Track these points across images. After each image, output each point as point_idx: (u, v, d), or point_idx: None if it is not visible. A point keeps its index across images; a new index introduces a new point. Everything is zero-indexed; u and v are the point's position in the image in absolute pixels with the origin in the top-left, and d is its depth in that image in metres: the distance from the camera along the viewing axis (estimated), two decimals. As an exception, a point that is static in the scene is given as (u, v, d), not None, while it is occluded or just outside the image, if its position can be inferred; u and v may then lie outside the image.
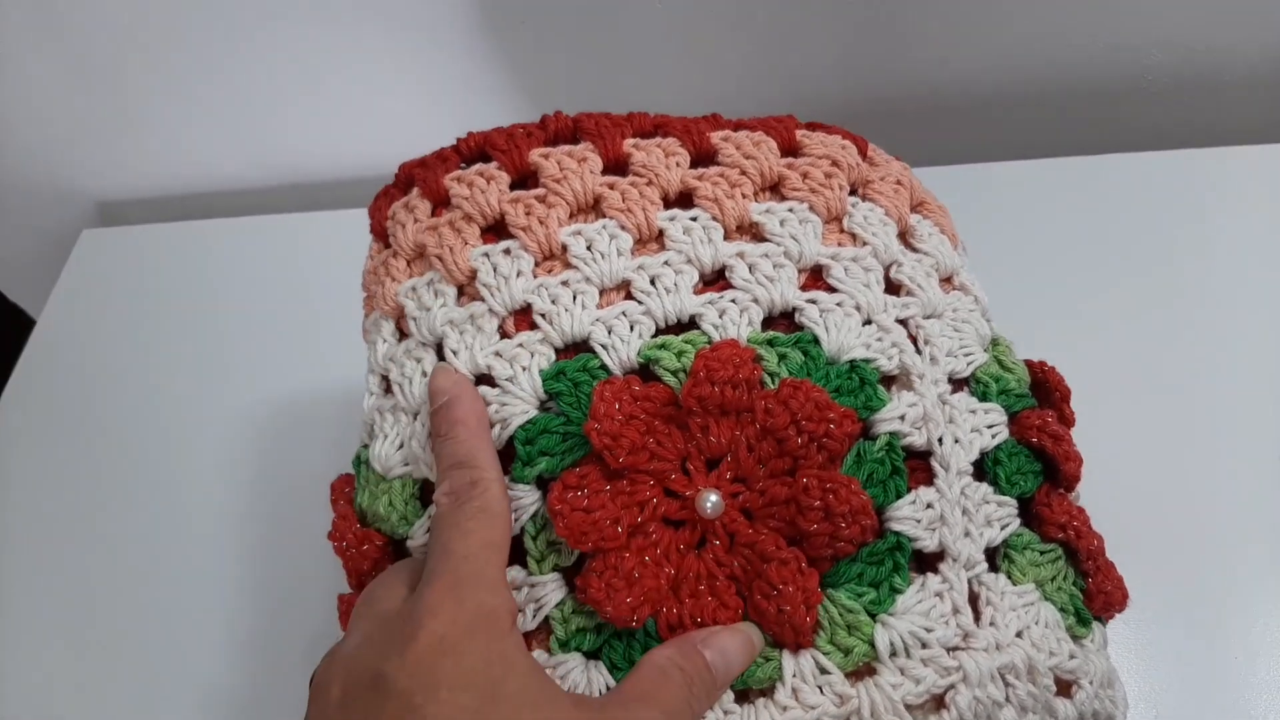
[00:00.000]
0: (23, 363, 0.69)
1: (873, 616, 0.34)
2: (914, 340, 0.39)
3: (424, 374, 0.39)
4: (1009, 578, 0.36)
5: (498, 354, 0.38)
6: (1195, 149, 0.67)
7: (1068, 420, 0.41)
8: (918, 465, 0.37)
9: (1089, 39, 0.68)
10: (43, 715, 0.53)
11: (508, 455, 0.37)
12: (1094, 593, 0.38)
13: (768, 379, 0.37)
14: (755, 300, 0.38)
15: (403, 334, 0.41)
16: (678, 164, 0.41)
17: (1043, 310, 0.60)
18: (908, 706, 0.33)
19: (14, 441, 0.65)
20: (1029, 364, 0.42)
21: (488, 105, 0.70)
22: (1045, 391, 0.42)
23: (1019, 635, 0.35)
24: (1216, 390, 0.56)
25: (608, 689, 0.34)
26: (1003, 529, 0.37)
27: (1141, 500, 0.52)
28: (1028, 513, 0.38)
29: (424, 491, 0.38)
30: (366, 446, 0.40)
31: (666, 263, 0.39)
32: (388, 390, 0.40)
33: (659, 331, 0.38)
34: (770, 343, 0.37)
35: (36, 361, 0.69)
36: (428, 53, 0.69)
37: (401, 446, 0.38)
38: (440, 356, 0.39)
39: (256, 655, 0.54)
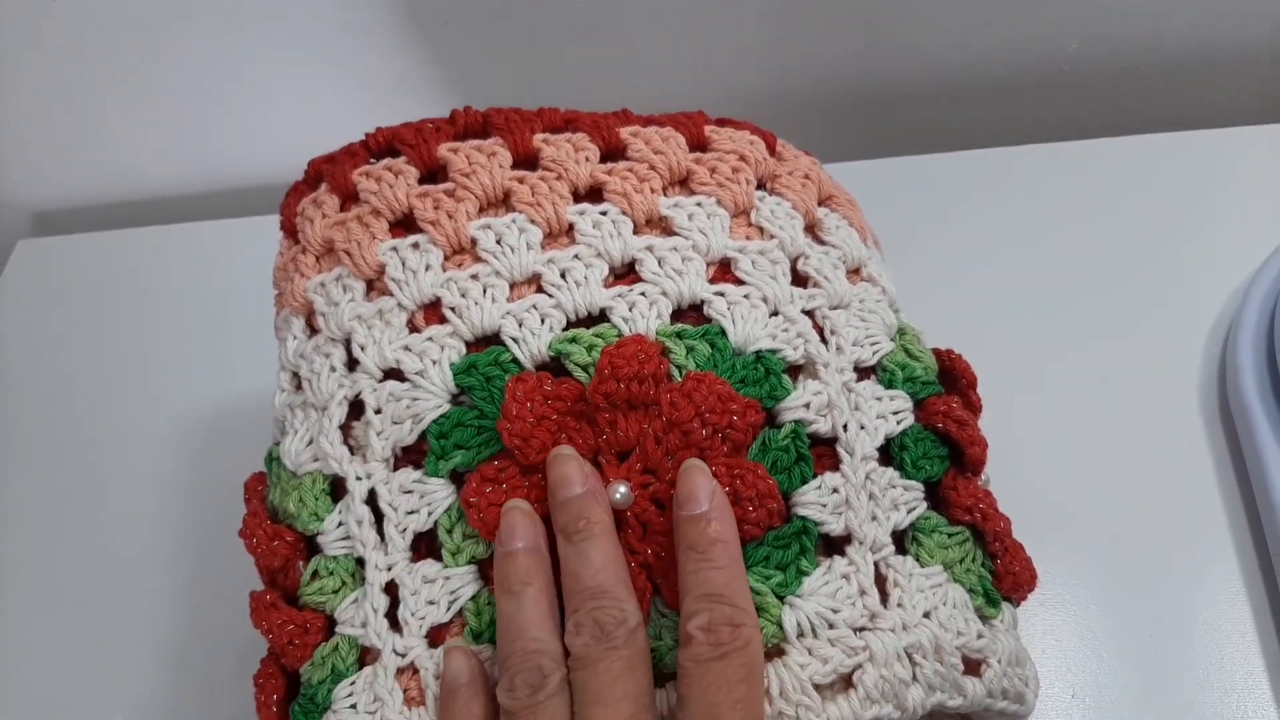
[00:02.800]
0: None
1: (780, 599, 0.35)
2: (820, 330, 0.40)
3: (332, 369, 0.39)
4: (917, 560, 0.37)
5: (406, 348, 0.37)
6: (1109, 138, 0.69)
7: (974, 406, 0.42)
8: (824, 452, 0.38)
9: (1009, 29, 0.69)
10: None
11: (420, 450, 0.37)
12: (1002, 573, 0.39)
13: (676, 371, 0.37)
14: (664, 293, 0.39)
15: (313, 330, 0.41)
16: (587, 159, 0.42)
17: (962, 300, 0.61)
18: (816, 686, 0.34)
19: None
20: (936, 352, 0.43)
21: (419, 108, 0.70)
22: (952, 379, 0.43)
23: (926, 615, 0.36)
24: (1127, 375, 0.58)
25: None
26: (909, 512, 0.38)
27: (1058, 484, 0.54)
28: (935, 496, 0.39)
29: (334, 488, 0.38)
30: (278, 444, 0.40)
31: (576, 256, 0.39)
32: (298, 387, 0.40)
33: (570, 324, 0.38)
34: (678, 335, 0.38)
35: None
36: (357, 56, 0.69)
37: (311, 443, 0.38)
38: (349, 352, 0.39)
39: (188, 660, 0.53)
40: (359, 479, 0.37)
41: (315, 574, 0.37)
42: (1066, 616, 0.50)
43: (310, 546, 0.38)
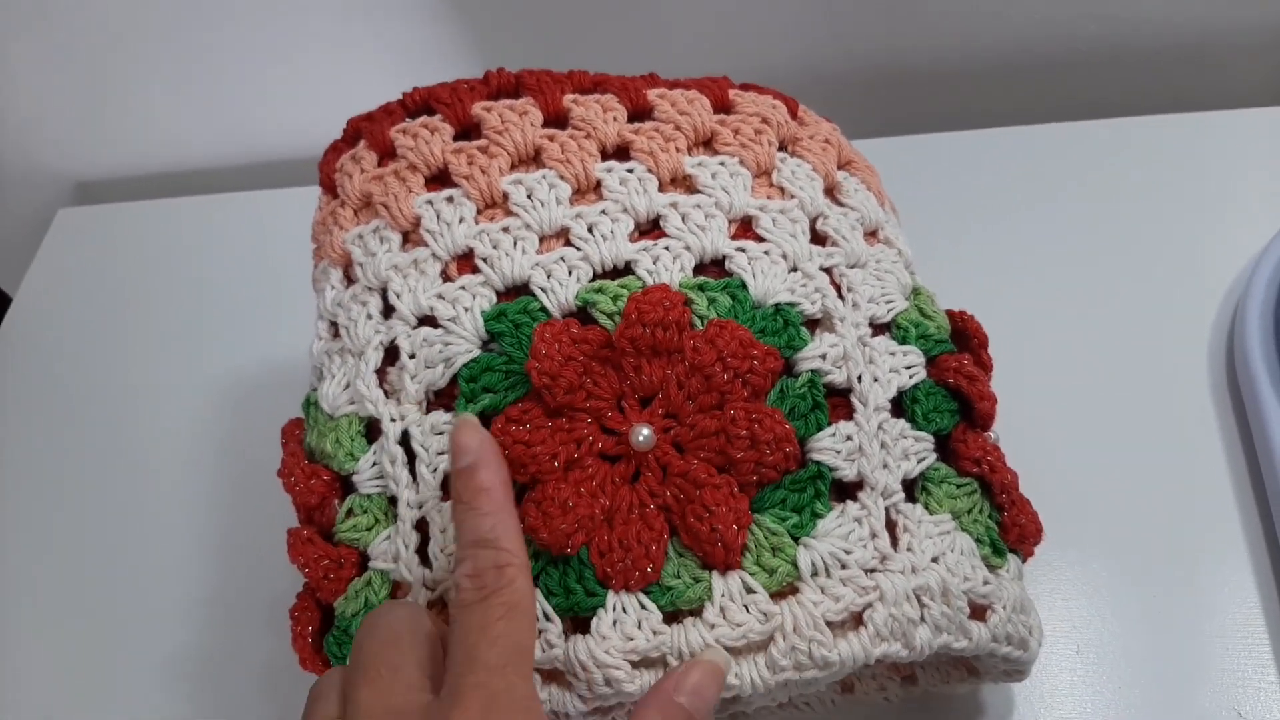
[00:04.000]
0: None
1: (795, 540, 0.36)
2: (837, 287, 0.41)
3: (369, 316, 0.40)
4: (926, 508, 0.39)
5: (440, 296, 0.39)
6: (1121, 118, 0.70)
7: (984, 364, 0.43)
8: (839, 402, 0.39)
9: (1028, 9, 0.70)
10: (12, 683, 0.54)
11: (451, 394, 0.38)
12: (1009, 525, 0.40)
13: (697, 321, 0.38)
14: (687, 248, 0.40)
15: (349, 280, 0.42)
16: (615, 119, 0.43)
17: (973, 274, 0.61)
18: (828, 623, 0.35)
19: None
20: (949, 313, 0.45)
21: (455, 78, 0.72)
22: (964, 338, 0.44)
23: (935, 560, 0.37)
24: (1136, 348, 0.59)
25: (544, 615, 0.35)
26: (919, 462, 0.39)
27: (1066, 450, 0.55)
28: (945, 449, 0.41)
29: (369, 429, 0.39)
30: (315, 389, 0.42)
31: (603, 211, 0.41)
32: (335, 334, 0.42)
33: (596, 276, 0.40)
34: (700, 287, 0.39)
35: (12, 340, 0.70)
36: (396, 29, 0.70)
37: (348, 386, 0.40)
38: (385, 300, 0.40)
39: (223, 607, 0.55)
40: (393, 420, 0.38)
41: (350, 512, 0.39)
42: (1072, 575, 0.51)
43: (345, 486, 0.40)
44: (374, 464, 0.39)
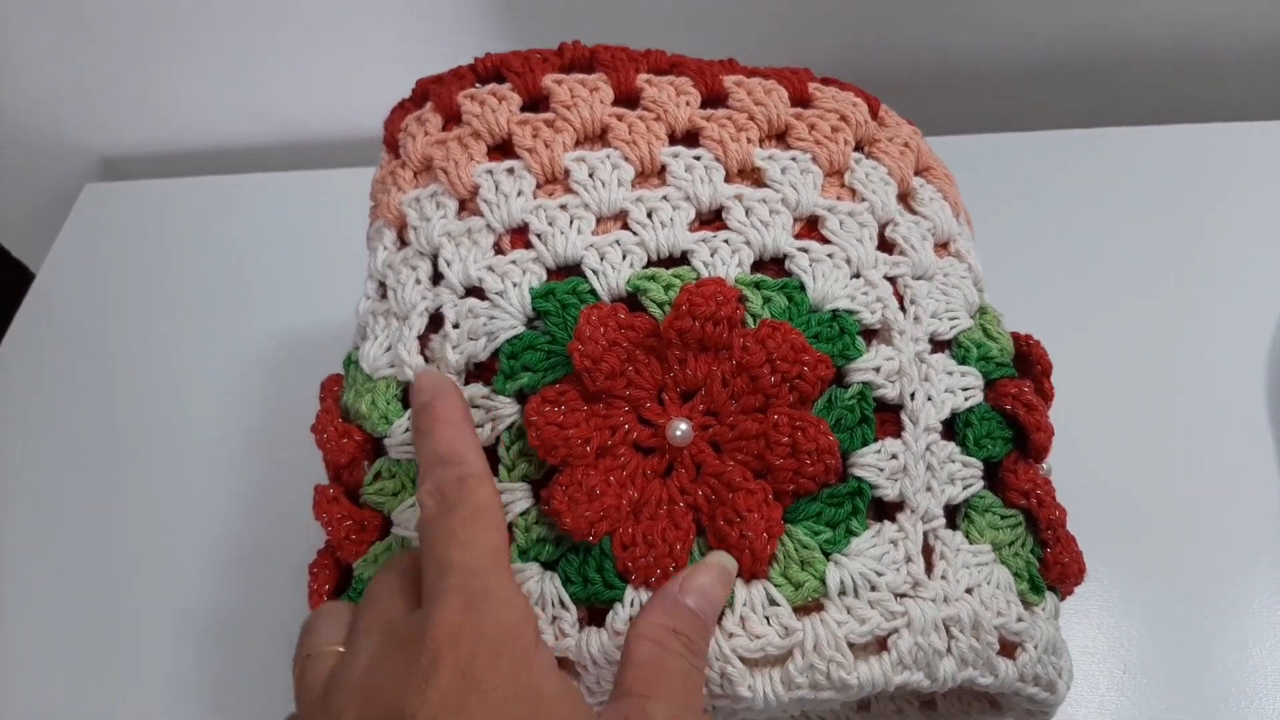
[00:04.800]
0: (21, 315, 0.70)
1: (826, 555, 0.35)
2: (900, 298, 0.40)
3: (417, 281, 0.40)
4: (966, 536, 0.37)
5: (490, 269, 0.38)
6: (1203, 124, 0.68)
7: (1046, 393, 0.42)
8: (888, 418, 0.38)
9: (1084, 11, 0.68)
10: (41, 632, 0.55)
11: (491, 368, 0.38)
12: (1051, 562, 0.39)
13: (750, 319, 0.37)
14: (748, 243, 0.39)
15: (403, 243, 0.42)
16: (688, 103, 0.42)
17: (1046, 286, 0.60)
18: (850, 645, 0.34)
19: (12, 394, 0.66)
20: (1015, 336, 0.43)
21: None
22: (1027, 364, 0.42)
23: (969, 591, 0.36)
24: (1190, 362, 0.58)
25: (560, 601, 0.35)
26: (965, 489, 0.38)
27: (1119, 466, 0.54)
28: (994, 477, 0.39)
29: (405, 394, 0.39)
30: (358, 348, 0.41)
31: (665, 197, 0.40)
32: (383, 295, 0.42)
33: (650, 264, 0.39)
34: (757, 285, 0.38)
35: (36, 315, 0.70)
36: (438, 11, 0.70)
37: (389, 349, 0.39)
38: (435, 267, 0.40)
39: (249, 564, 0.56)
40: (432, 388, 0.38)
41: (378, 475, 0.39)
42: (1121, 595, 0.50)
43: (376, 449, 0.39)
44: (406, 429, 0.38)
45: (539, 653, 0.31)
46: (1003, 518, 0.38)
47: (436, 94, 0.43)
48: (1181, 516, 0.52)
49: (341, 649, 0.32)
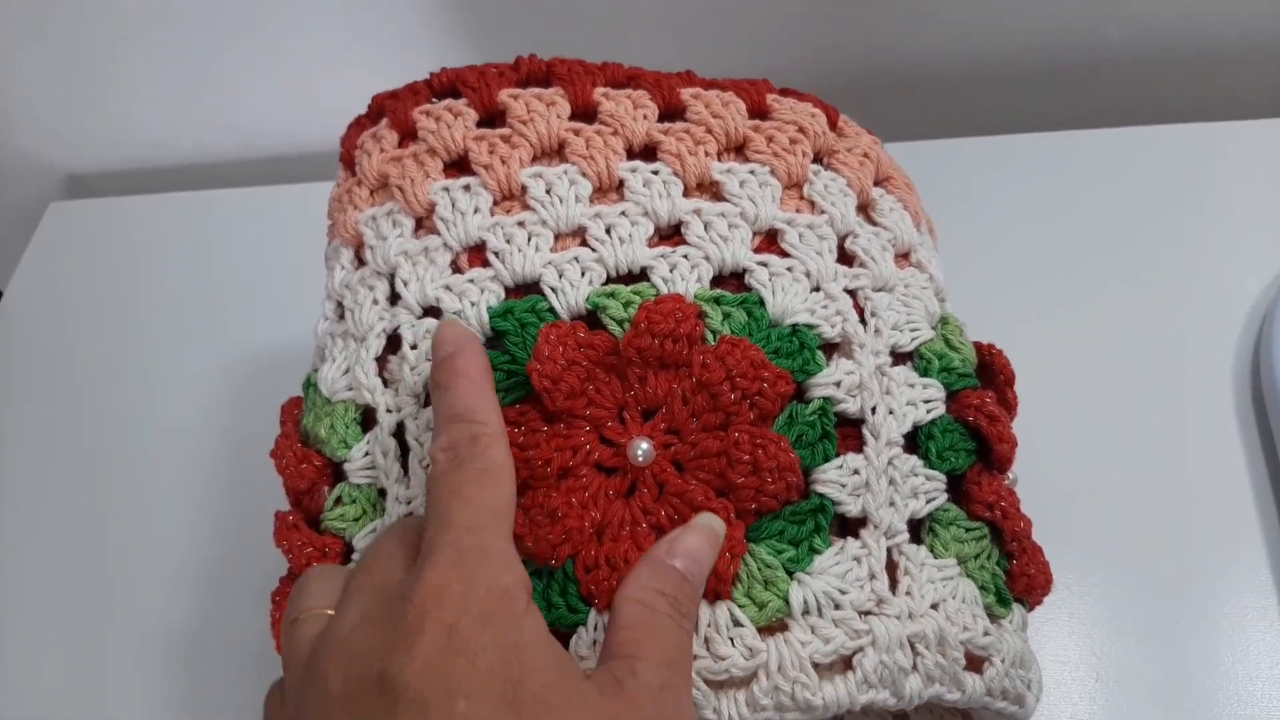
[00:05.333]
0: None
1: (790, 574, 0.35)
2: (860, 311, 0.39)
3: (374, 302, 0.39)
4: (931, 550, 0.37)
5: (447, 288, 0.38)
6: (1167, 125, 0.68)
7: (1009, 404, 0.42)
8: (850, 432, 0.37)
9: (1048, 14, 0.68)
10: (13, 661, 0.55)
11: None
12: (1017, 574, 0.39)
13: (710, 336, 0.37)
14: (707, 258, 0.39)
15: (360, 262, 0.41)
16: (645, 116, 0.41)
17: (991, 285, 0.60)
18: (815, 665, 0.34)
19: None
20: (978, 346, 0.43)
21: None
22: (990, 374, 0.42)
23: (934, 607, 0.36)
24: (1160, 363, 0.58)
25: None
26: (928, 502, 0.37)
27: (1089, 470, 0.54)
28: (957, 490, 0.39)
29: (365, 417, 0.39)
30: (316, 370, 0.41)
31: (623, 213, 0.39)
32: (341, 316, 0.41)
33: (609, 280, 0.38)
34: (716, 300, 0.38)
35: (2, 333, 0.69)
36: (402, 24, 0.69)
37: (347, 372, 0.39)
38: (392, 287, 0.39)
39: (219, 600, 0.55)
40: (389, 411, 0.37)
41: (338, 500, 0.38)
42: (1092, 602, 0.50)
43: (336, 473, 0.39)
44: (366, 454, 0.38)
45: (530, 616, 0.30)
46: (967, 530, 0.38)
47: (392, 110, 0.43)
48: (1152, 522, 0.52)
49: (331, 612, 0.31)
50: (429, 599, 0.28)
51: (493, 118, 0.42)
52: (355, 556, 0.37)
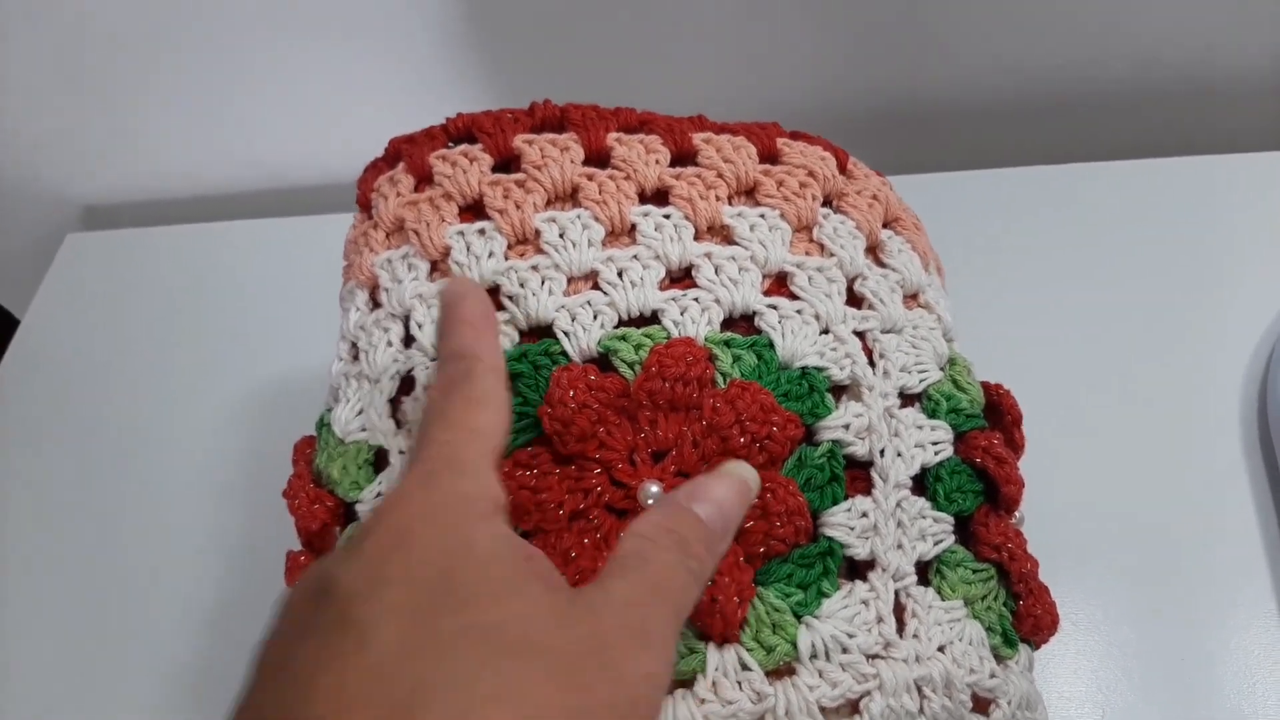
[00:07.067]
0: (6, 364, 0.70)
1: (798, 618, 0.35)
2: (869, 353, 0.40)
3: (389, 344, 0.40)
4: (938, 592, 0.37)
5: (461, 331, 0.38)
6: (1173, 158, 0.68)
7: (1016, 444, 0.42)
8: (858, 475, 0.38)
9: (1056, 50, 0.69)
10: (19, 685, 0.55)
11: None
12: (1024, 615, 0.39)
13: (720, 379, 0.37)
14: (717, 301, 0.39)
15: (375, 304, 0.42)
16: (657, 161, 0.42)
17: (999, 318, 0.61)
18: (822, 709, 0.34)
19: (-2, 443, 0.66)
20: (985, 386, 0.43)
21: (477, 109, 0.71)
22: (998, 414, 0.42)
23: (941, 649, 0.36)
24: (1166, 398, 0.58)
25: None
26: (936, 544, 0.38)
27: (1096, 506, 0.54)
28: (965, 531, 0.39)
29: (378, 459, 0.39)
30: (330, 410, 0.41)
31: (635, 257, 0.40)
32: (355, 357, 0.42)
33: (621, 323, 0.39)
34: (727, 343, 0.38)
35: (20, 364, 0.70)
36: (417, 58, 0.70)
37: (361, 413, 0.40)
38: (407, 329, 0.40)
39: (229, 635, 0.54)
40: (402, 453, 0.38)
41: (352, 540, 0.38)
42: (1100, 638, 0.50)
43: (349, 514, 0.39)
44: (378, 495, 0.38)
45: (488, 522, 0.28)
46: (974, 572, 0.38)
47: (408, 154, 0.43)
48: (1159, 558, 0.52)
49: None
50: (387, 506, 0.27)
51: (508, 162, 0.43)
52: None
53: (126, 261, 0.75)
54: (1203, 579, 0.51)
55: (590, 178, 0.41)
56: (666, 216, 0.41)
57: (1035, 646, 0.40)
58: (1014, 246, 0.65)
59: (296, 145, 0.77)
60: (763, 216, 0.42)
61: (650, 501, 0.35)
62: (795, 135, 0.45)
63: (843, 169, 0.45)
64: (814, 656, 0.35)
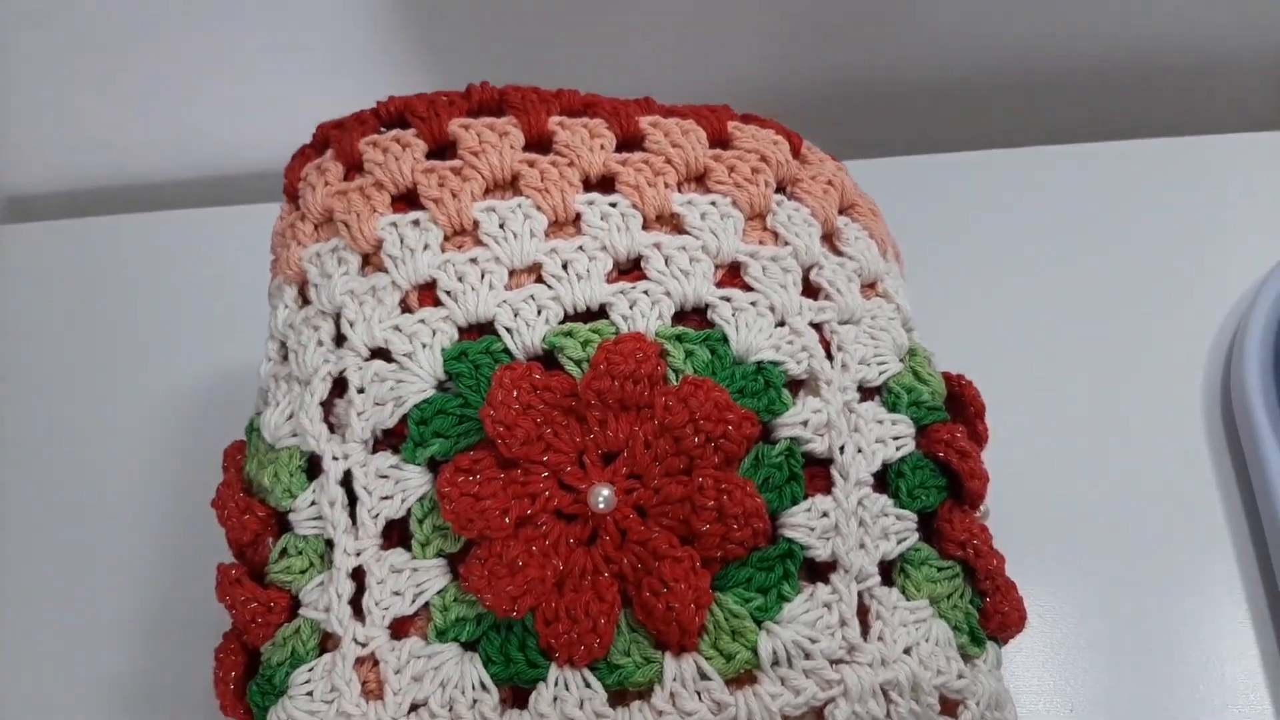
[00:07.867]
0: None
1: (758, 624, 0.33)
2: (826, 345, 0.38)
3: (319, 343, 0.37)
4: (903, 592, 0.36)
5: (396, 329, 0.36)
6: (1138, 140, 0.67)
7: (979, 437, 0.41)
8: (817, 473, 0.36)
9: (1025, 29, 0.68)
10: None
11: (401, 435, 0.36)
12: (990, 612, 0.38)
13: (673, 375, 0.36)
14: (668, 293, 0.37)
15: (304, 300, 0.39)
16: (602, 146, 0.40)
17: (958, 302, 0.60)
18: (785, 718, 0.33)
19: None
20: (947, 377, 0.42)
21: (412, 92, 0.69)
22: (960, 406, 0.41)
23: (907, 651, 0.35)
24: (1129, 383, 0.57)
25: (480, 684, 0.33)
26: (900, 543, 0.36)
27: (1058, 494, 0.53)
28: (929, 528, 0.38)
29: (310, 465, 0.37)
30: (259, 414, 0.39)
31: (580, 248, 0.38)
32: (284, 358, 0.39)
33: (567, 318, 0.37)
34: (679, 338, 0.36)
35: None
36: (351, 44, 0.68)
37: (291, 417, 0.37)
38: (338, 327, 0.37)
39: (165, 634, 0.53)
40: (335, 459, 0.36)
41: (284, 552, 0.36)
42: (1066, 630, 0.49)
43: (281, 523, 0.37)
44: (312, 503, 0.36)
45: None
46: (940, 570, 0.37)
47: (337, 140, 0.41)
48: (1125, 547, 0.51)
49: None
50: None
51: (443, 149, 0.40)
52: (302, 611, 0.35)
53: (54, 254, 0.71)
54: (1169, 567, 0.51)
55: (531, 164, 0.39)
56: (613, 205, 0.39)
57: (1003, 643, 0.39)
58: (973, 233, 0.64)
59: (229, 132, 0.74)
60: (714, 204, 0.40)
61: (601, 505, 0.34)
62: (747, 118, 0.43)
63: (796, 153, 0.43)
64: (776, 663, 0.33)
